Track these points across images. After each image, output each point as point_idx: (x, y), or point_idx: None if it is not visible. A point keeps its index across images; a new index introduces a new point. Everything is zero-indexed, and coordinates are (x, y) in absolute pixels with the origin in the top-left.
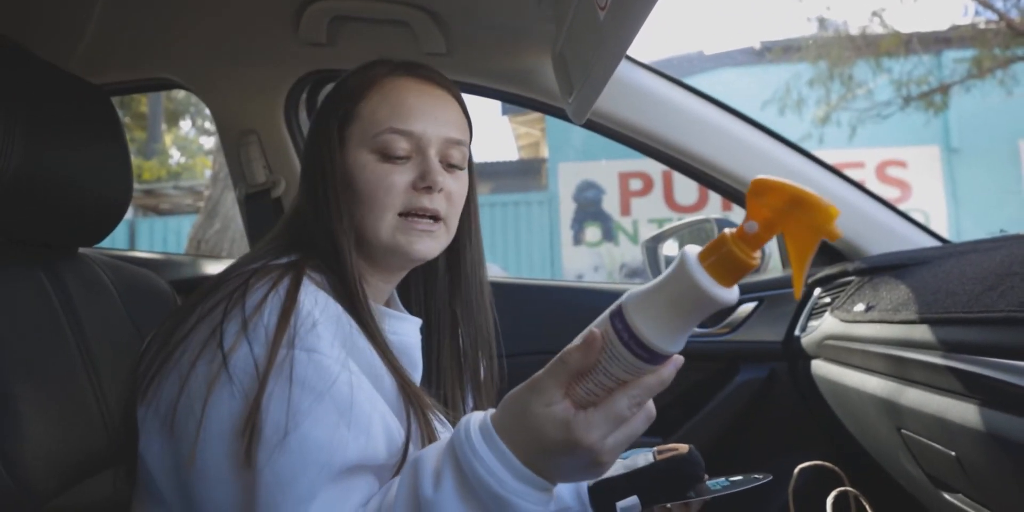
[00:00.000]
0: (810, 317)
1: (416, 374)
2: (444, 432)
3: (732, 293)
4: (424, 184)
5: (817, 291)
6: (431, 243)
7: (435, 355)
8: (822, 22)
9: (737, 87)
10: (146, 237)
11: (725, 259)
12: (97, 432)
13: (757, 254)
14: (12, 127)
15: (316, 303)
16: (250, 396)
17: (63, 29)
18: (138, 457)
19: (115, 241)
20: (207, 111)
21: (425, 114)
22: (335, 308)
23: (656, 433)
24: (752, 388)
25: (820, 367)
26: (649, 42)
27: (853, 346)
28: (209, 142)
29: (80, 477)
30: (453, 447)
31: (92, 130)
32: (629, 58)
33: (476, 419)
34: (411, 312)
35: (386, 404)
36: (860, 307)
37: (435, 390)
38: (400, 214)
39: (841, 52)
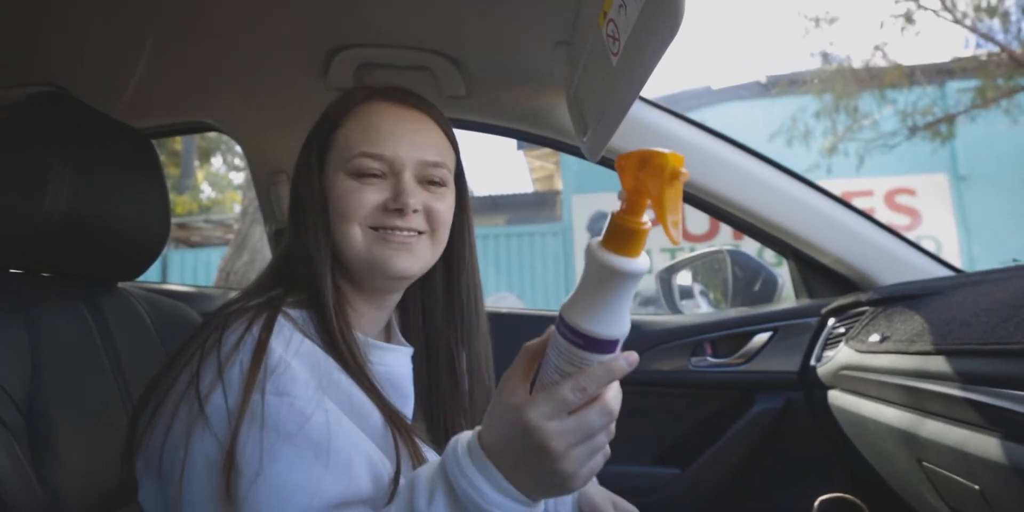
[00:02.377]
0: (825, 347)
1: (407, 405)
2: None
3: (639, 262)
4: (396, 205)
5: (831, 321)
6: (410, 259)
7: (434, 381)
8: (826, 56)
9: (744, 120)
10: (177, 268)
11: (617, 231)
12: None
13: (644, 218)
14: (63, 169)
15: (289, 344)
16: (226, 441)
17: (111, 79)
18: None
19: (148, 272)
20: (237, 148)
21: (397, 138)
22: (309, 347)
23: (675, 463)
24: (769, 418)
25: (837, 397)
26: (658, 78)
27: (869, 377)
28: (239, 178)
29: (115, 503)
30: (444, 464)
31: (135, 172)
32: (640, 98)
33: (465, 436)
34: (410, 339)
35: (371, 439)
36: (875, 337)
37: (434, 417)
38: (370, 227)
39: (845, 85)
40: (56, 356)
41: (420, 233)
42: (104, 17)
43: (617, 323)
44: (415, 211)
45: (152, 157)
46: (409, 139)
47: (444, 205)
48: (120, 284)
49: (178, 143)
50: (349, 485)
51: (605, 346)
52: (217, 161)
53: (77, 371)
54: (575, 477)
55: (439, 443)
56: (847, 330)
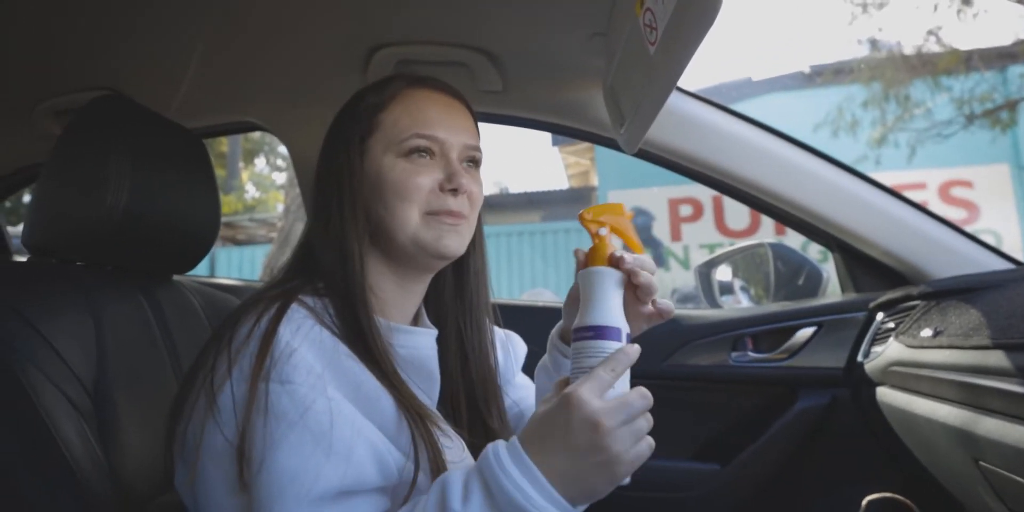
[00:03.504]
0: (873, 342)
1: (433, 386)
2: (451, 448)
3: (609, 268)
4: (451, 186)
5: (880, 316)
6: (457, 240)
7: (445, 365)
8: (874, 43)
9: (788, 111)
10: (224, 265)
11: (591, 252)
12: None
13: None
14: (123, 168)
15: (297, 331)
16: (236, 430)
17: (164, 81)
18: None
19: (197, 269)
20: (280, 150)
21: (445, 123)
22: (317, 333)
23: (714, 459)
24: (813, 415)
25: (886, 394)
26: (697, 69)
27: (921, 373)
28: (281, 178)
29: (171, 486)
30: (480, 466)
31: (188, 170)
32: (678, 88)
33: (501, 441)
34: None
35: (381, 426)
36: (927, 332)
37: (449, 400)
38: (426, 213)
39: (895, 73)
40: (119, 344)
41: (463, 217)
42: (157, 25)
43: (615, 316)
44: (465, 192)
45: (203, 155)
46: (455, 123)
47: (479, 188)
48: (174, 277)
49: (224, 145)
50: (347, 473)
51: (613, 333)
52: (260, 162)
53: (138, 358)
54: (622, 460)
55: (448, 420)
56: (897, 325)
